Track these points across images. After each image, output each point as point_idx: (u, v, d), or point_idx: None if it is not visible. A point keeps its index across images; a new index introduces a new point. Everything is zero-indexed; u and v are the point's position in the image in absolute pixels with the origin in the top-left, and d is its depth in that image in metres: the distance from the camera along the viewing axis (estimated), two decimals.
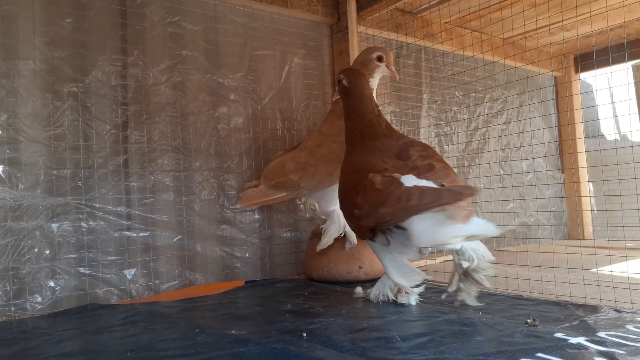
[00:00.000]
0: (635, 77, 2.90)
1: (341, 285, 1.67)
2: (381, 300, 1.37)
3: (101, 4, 1.64)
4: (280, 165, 1.72)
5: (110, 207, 1.60)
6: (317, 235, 1.77)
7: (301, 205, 2.04)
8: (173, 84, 1.75)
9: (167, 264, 1.69)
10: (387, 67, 1.73)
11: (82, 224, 1.55)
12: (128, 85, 1.67)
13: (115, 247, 1.60)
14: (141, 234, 1.65)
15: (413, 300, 1.34)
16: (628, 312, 1.18)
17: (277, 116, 2.00)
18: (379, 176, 1.14)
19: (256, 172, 1.90)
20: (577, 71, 3.02)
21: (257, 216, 1.91)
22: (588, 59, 2.77)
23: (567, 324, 1.06)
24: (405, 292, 1.35)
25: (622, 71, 2.37)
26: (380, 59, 1.73)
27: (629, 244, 1.80)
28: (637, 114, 2.85)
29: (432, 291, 1.56)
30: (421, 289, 1.39)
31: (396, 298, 1.35)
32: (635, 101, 2.87)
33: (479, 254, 1.22)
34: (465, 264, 1.22)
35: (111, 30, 1.65)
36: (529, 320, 1.07)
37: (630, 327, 1.02)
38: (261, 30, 1.99)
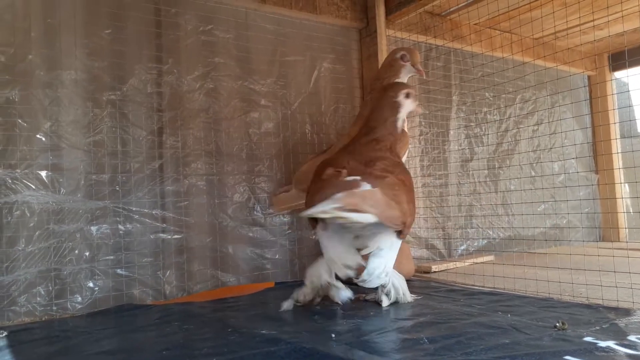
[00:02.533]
0: None
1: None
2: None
3: (137, 14, 1.70)
4: (310, 169, 1.75)
5: (146, 210, 1.66)
6: None
7: None
8: (206, 90, 1.81)
9: (199, 265, 1.75)
10: (413, 65, 1.73)
11: (120, 226, 1.61)
12: (163, 93, 1.73)
13: (151, 248, 1.66)
14: (175, 236, 1.71)
15: (343, 295, 1.38)
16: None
17: (306, 120, 2.04)
18: (332, 169, 1.21)
19: (286, 175, 1.94)
20: (611, 70, 2.96)
21: (286, 219, 1.95)
22: (621, 59, 2.71)
23: (597, 327, 1.06)
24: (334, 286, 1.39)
25: None
26: (404, 57, 1.73)
27: None
28: None
29: (460, 293, 1.57)
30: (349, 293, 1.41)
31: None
32: None
33: (399, 293, 1.42)
34: (384, 302, 1.40)
35: (146, 39, 1.72)
36: (557, 324, 1.07)
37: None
38: (291, 37, 2.03)
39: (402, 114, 1.46)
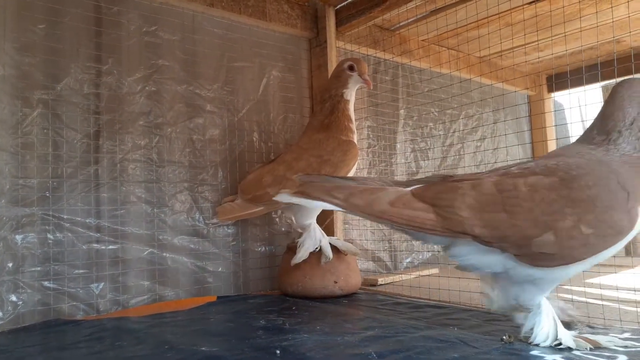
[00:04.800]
0: (604, 97, 2.99)
1: (316, 301, 1.65)
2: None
3: (76, 11, 1.60)
4: (257, 178, 1.70)
5: (79, 219, 1.55)
6: (293, 249, 1.74)
7: (277, 219, 2.02)
8: (148, 93, 1.72)
9: (136, 278, 1.65)
10: (360, 76, 1.73)
11: (49, 235, 1.49)
12: (101, 94, 1.63)
13: (83, 260, 1.55)
14: (110, 247, 1.60)
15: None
16: (601, 329, 1.19)
17: (254, 128, 1.98)
18: None
19: (231, 185, 1.88)
20: (549, 90, 3.10)
21: (231, 230, 1.88)
22: (560, 79, 2.84)
23: None
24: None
25: (591, 91, 2.43)
26: (351, 68, 1.74)
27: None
28: None
29: (407, 306, 1.56)
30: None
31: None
32: None
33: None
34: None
35: (85, 37, 1.62)
36: (504, 337, 1.07)
37: (600, 346, 1.02)
38: (239, 42, 1.98)
39: None
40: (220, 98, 1.89)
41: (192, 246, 1.77)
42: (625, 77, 1.14)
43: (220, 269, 1.83)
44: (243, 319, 1.40)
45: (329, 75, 2.07)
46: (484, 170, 1.23)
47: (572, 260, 0.96)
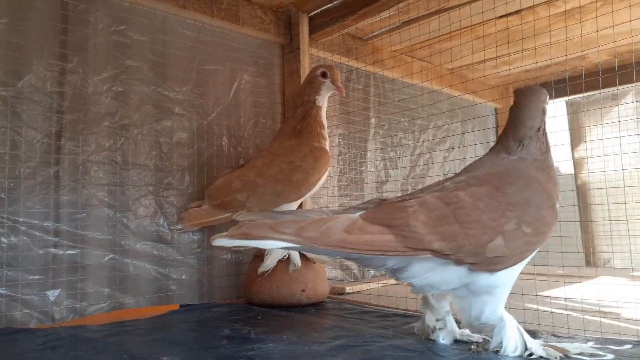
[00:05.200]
0: (568, 111, 3.09)
1: (283, 310, 1.62)
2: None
3: (40, 6, 1.54)
4: (226, 183, 1.67)
5: (36, 222, 1.48)
6: (260, 257, 1.71)
7: None
8: (115, 93, 1.67)
9: (95, 285, 1.58)
10: (333, 83, 1.72)
11: (3, 239, 1.42)
12: (65, 93, 1.57)
13: (39, 265, 1.47)
14: (69, 252, 1.53)
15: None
16: (565, 337, 1.20)
17: (223, 132, 1.95)
18: None
19: (198, 190, 1.83)
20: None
21: (196, 236, 1.83)
22: None
23: None
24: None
25: (556, 103, 2.51)
26: (324, 74, 1.72)
27: (559, 271, 1.87)
28: (569, 145, 3.05)
29: (374, 315, 1.54)
30: None
31: None
32: (568, 133, 3.06)
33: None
34: None
35: (50, 34, 1.56)
36: (473, 346, 1.07)
37: (569, 355, 1.03)
38: (211, 45, 1.94)
39: None
40: (189, 101, 1.85)
41: (155, 252, 1.72)
42: (527, 86, 1.27)
43: (184, 277, 1.78)
44: (207, 328, 1.36)
45: (301, 82, 2.06)
46: (416, 189, 1.28)
47: (519, 260, 1.03)
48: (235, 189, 1.64)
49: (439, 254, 0.99)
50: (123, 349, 1.13)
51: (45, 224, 1.50)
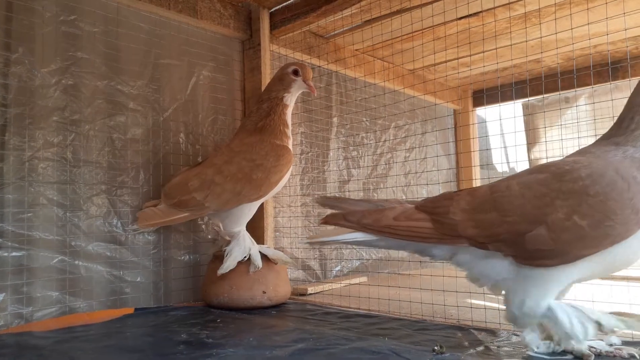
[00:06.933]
0: (524, 112, 3.17)
1: (243, 312, 1.58)
2: None
3: None
4: (183, 182, 1.61)
5: None
6: (219, 258, 1.66)
7: (203, 226, 1.92)
8: (64, 87, 1.58)
9: (43, 289, 1.49)
10: (304, 81, 1.70)
11: None
12: (9, 85, 1.47)
13: None
14: (14, 254, 1.44)
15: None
16: None
17: (180, 129, 1.88)
18: None
19: (154, 189, 1.76)
20: (474, 104, 3.22)
21: (152, 237, 1.76)
22: (483, 93, 2.97)
23: (472, 350, 1.06)
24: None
25: (512, 105, 2.57)
26: (296, 72, 1.70)
27: None
28: (525, 146, 3.12)
29: (337, 316, 1.52)
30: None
31: None
32: (523, 134, 3.14)
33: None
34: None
35: None
36: (436, 348, 1.06)
37: (530, 353, 1.03)
38: (167, 39, 1.87)
39: None
40: (144, 96, 1.78)
41: (108, 254, 1.64)
42: None
43: (138, 279, 1.71)
44: (163, 332, 1.31)
45: (263, 78, 2.02)
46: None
47: (572, 258, 0.91)
48: (193, 187, 1.58)
49: (474, 243, 0.97)
50: (71, 357, 1.07)
51: None
